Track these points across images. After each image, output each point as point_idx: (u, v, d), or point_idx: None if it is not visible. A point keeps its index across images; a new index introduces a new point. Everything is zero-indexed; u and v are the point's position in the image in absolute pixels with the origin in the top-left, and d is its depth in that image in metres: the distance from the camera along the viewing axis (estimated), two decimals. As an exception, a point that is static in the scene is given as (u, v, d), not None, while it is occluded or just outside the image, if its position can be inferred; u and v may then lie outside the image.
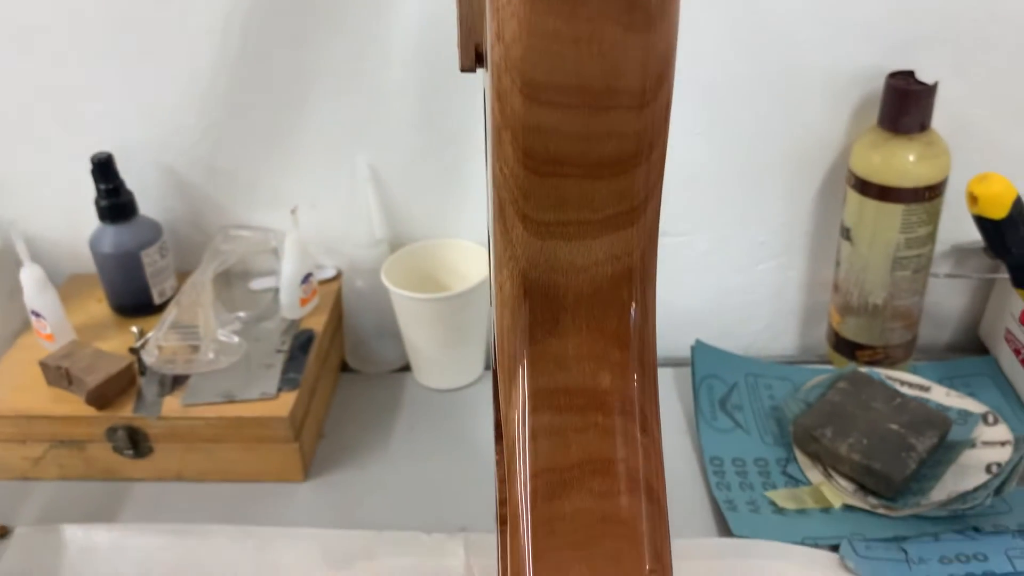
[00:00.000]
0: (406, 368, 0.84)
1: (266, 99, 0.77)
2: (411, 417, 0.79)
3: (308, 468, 0.74)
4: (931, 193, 0.70)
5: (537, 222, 0.28)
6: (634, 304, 0.31)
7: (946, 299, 0.84)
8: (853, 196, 0.73)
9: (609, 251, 0.29)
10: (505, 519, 0.28)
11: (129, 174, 0.77)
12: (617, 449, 0.30)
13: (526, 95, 0.25)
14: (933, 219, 0.72)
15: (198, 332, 0.72)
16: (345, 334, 0.85)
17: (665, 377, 0.82)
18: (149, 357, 0.70)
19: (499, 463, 0.37)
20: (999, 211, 0.65)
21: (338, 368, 0.84)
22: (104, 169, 0.75)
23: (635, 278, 0.30)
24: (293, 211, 0.75)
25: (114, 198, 0.76)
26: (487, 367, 0.84)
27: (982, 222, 0.67)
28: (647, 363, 0.32)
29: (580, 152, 0.26)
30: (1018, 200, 0.66)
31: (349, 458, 0.75)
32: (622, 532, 0.30)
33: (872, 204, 0.72)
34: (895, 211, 0.71)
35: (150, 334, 0.72)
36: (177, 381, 0.72)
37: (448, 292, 0.76)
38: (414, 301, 0.76)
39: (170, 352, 0.71)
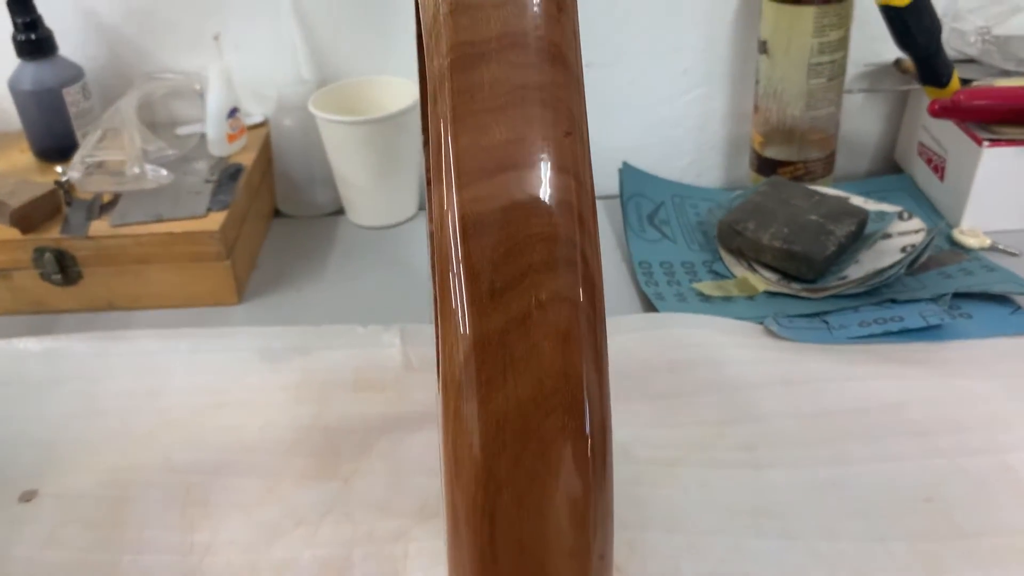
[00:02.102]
0: (339, 212, 0.85)
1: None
2: (347, 252, 0.79)
3: (242, 291, 0.73)
4: (841, -6, 0.73)
5: None
6: None
7: (862, 125, 0.86)
8: (769, 6, 0.75)
9: None
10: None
11: (48, 16, 0.76)
12: (535, 23, 0.31)
13: None
14: (844, 23, 0.75)
15: (124, 151, 0.71)
16: (276, 180, 0.85)
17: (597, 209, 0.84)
18: (74, 172, 0.69)
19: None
20: (903, -2, 0.68)
21: (270, 213, 0.84)
22: (20, 1, 0.74)
23: None
24: (216, 37, 0.75)
25: (32, 32, 0.75)
26: (421, 207, 0.84)
27: (888, 11, 0.69)
28: None
29: None
30: (921, -13, 0.68)
31: (284, 284, 0.75)
32: (540, 97, 0.30)
33: (786, 10, 0.74)
34: (807, 14, 0.73)
35: (75, 154, 0.71)
36: (104, 208, 0.72)
37: (377, 114, 0.76)
38: (343, 126, 0.76)
39: (96, 176, 0.70)
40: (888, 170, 0.88)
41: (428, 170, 0.34)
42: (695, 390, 0.60)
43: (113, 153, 0.70)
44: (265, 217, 0.82)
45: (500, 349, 0.25)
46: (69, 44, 0.79)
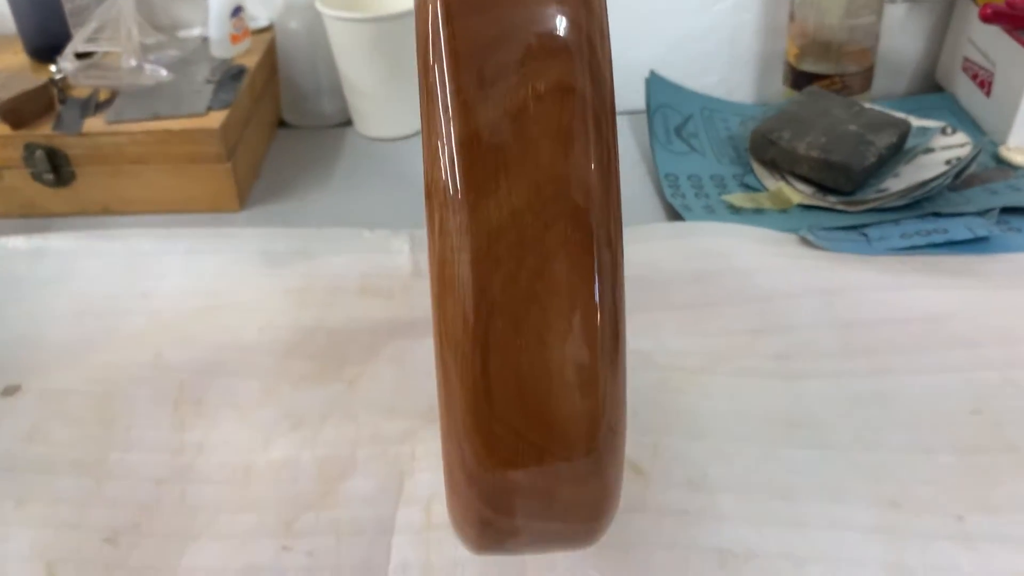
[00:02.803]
0: (347, 123, 0.80)
1: None
2: (354, 163, 0.75)
3: (244, 199, 0.70)
4: None
5: None
6: None
7: (903, 41, 0.81)
8: (809, -99, 0.70)
9: None
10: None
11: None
12: None
13: None
14: (891, -80, 0.69)
15: (121, 44, 0.67)
16: (282, 89, 0.80)
17: (620, 123, 0.79)
18: (66, 63, 0.65)
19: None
20: None
21: (275, 122, 0.80)
22: None
23: None
24: (219, -73, 0.70)
25: (24, -81, 0.71)
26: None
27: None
28: None
29: None
30: None
31: (288, 193, 0.71)
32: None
33: (828, -94, 0.69)
34: (852, -91, 0.68)
35: (68, 45, 0.67)
36: (100, 106, 0.68)
37: (388, 11, 0.71)
38: (351, 24, 0.72)
39: (91, 71, 0.66)
40: (929, 89, 0.82)
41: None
42: (723, 300, 0.56)
43: (109, 45, 0.66)
44: (269, 125, 0.78)
45: (491, 149, 0.21)
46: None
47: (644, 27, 0.81)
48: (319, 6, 0.72)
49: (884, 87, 0.82)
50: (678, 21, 0.81)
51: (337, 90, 0.79)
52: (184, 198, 0.68)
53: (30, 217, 0.69)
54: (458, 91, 0.21)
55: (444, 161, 0.21)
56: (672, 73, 0.82)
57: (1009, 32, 0.69)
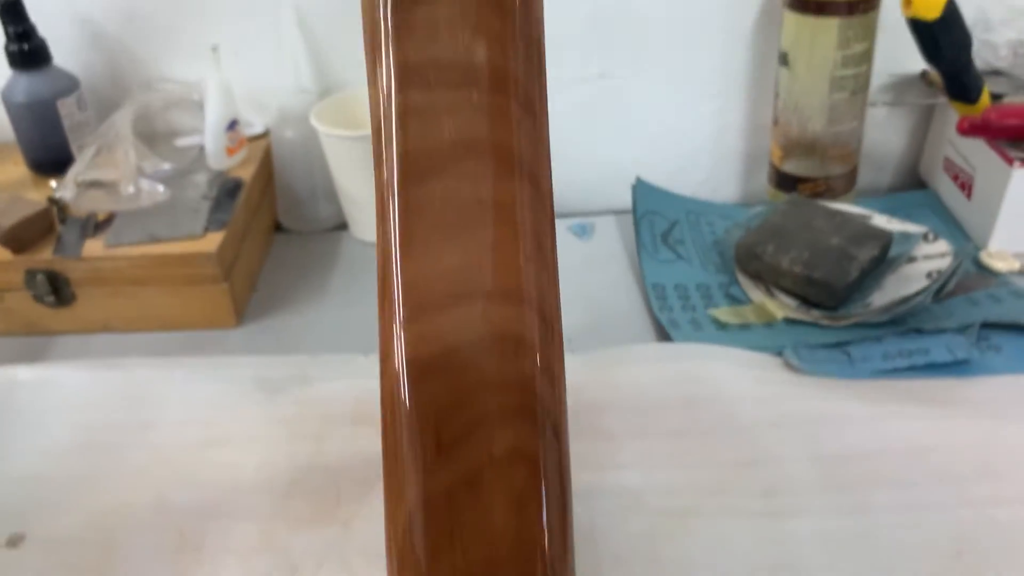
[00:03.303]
0: (342, 227, 0.82)
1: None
2: (349, 271, 0.77)
3: (241, 314, 0.71)
4: (866, 5, 0.69)
5: None
6: None
7: (886, 138, 0.83)
8: (790, 16, 0.72)
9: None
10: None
11: (42, 25, 0.74)
12: (495, 129, 0.27)
13: None
14: (869, 35, 0.71)
15: (119, 168, 0.68)
16: (278, 194, 0.82)
17: (607, 224, 0.81)
18: (66, 192, 0.67)
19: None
20: (932, 11, 0.65)
21: (271, 228, 0.82)
22: (12, 11, 0.71)
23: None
24: (214, 49, 0.72)
25: (25, 42, 0.72)
26: (426, 221, 0.81)
27: (916, 25, 0.66)
28: (532, 38, 0.29)
29: None
30: (951, 1, 0.65)
31: (284, 306, 0.73)
32: (499, 217, 0.27)
33: (808, 21, 0.71)
34: (831, 26, 0.70)
35: (69, 171, 0.69)
36: (99, 227, 0.69)
37: (380, 130, 0.73)
38: (346, 141, 0.73)
39: (90, 193, 0.68)
40: (912, 185, 0.84)
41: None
42: (710, 428, 0.57)
43: (107, 172, 0.68)
44: (266, 231, 0.80)
45: (447, 512, 0.22)
46: (64, 52, 0.77)
47: (632, 126, 0.83)
48: (314, 122, 0.74)
49: (868, 180, 0.84)
50: (664, 121, 0.82)
51: (332, 194, 0.80)
52: (182, 316, 0.69)
53: (31, 336, 0.70)
54: (416, 457, 0.22)
55: (402, 521, 0.22)
56: (659, 170, 0.83)
57: (987, 142, 0.70)
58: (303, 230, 0.82)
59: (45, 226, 0.69)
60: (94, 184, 0.70)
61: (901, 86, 0.80)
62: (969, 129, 0.68)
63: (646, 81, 0.80)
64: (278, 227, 0.83)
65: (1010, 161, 0.68)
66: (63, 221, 0.70)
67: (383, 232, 0.25)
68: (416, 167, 0.26)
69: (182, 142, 0.80)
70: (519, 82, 0.28)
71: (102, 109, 0.80)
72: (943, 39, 0.66)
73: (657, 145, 0.84)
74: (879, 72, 0.78)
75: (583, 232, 0.80)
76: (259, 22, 0.77)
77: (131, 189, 0.67)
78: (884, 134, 0.83)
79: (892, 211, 0.77)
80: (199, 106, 0.78)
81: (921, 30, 0.66)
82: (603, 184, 0.83)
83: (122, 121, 0.70)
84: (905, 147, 0.84)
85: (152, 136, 0.80)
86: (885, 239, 0.69)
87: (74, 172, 0.68)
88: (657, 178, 0.82)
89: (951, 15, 0.65)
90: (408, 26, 0.28)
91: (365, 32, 0.29)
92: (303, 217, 0.82)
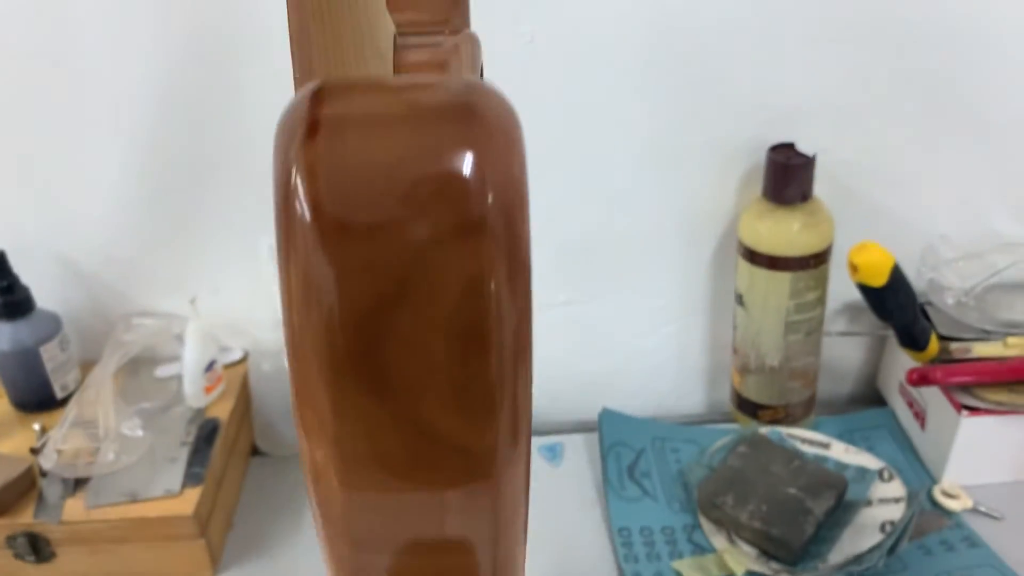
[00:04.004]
0: (319, 447, 0.84)
1: (163, 186, 0.77)
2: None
3: (217, 563, 0.73)
4: (817, 261, 0.73)
5: None
6: None
7: (844, 354, 0.86)
8: (743, 265, 0.75)
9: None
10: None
11: (25, 266, 0.76)
12: None
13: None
14: (821, 284, 0.74)
15: (99, 433, 0.71)
16: (254, 418, 0.84)
17: (575, 443, 0.83)
18: (48, 462, 0.69)
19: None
20: (879, 279, 0.68)
21: (248, 453, 0.84)
22: (-3, 266, 0.74)
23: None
24: (192, 301, 0.75)
25: (9, 295, 0.75)
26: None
27: (864, 289, 0.69)
28: None
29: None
30: (896, 268, 0.68)
31: (260, 549, 0.74)
32: None
33: (761, 273, 0.74)
34: (783, 279, 0.73)
35: (50, 433, 0.71)
36: (79, 482, 0.71)
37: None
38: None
39: (70, 455, 0.70)
40: (871, 398, 0.87)
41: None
42: None
43: (89, 437, 0.70)
44: (242, 458, 0.82)
45: None
46: (46, 291, 0.79)
47: (598, 341, 0.85)
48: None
49: (827, 391, 0.87)
50: (629, 338, 0.85)
51: (308, 417, 0.82)
52: (160, 571, 0.71)
53: (11, 587, 0.72)
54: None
55: None
56: (626, 380, 0.86)
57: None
58: (279, 454, 0.84)
59: (27, 485, 0.71)
60: (74, 451, 0.71)
61: (855, 312, 0.83)
62: (919, 381, 0.71)
63: (607, 306, 0.83)
64: (255, 450, 0.85)
65: (959, 409, 0.71)
66: (44, 474, 0.72)
67: None
68: None
69: (162, 372, 0.82)
70: None
71: (85, 341, 0.82)
72: (890, 301, 0.69)
73: (625, 358, 0.86)
74: (834, 298, 0.81)
75: (553, 456, 0.82)
76: (238, 257, 0.80)
77: (110, 457, 0.69)
78: (842, 351, 0.86)
79: (850, 435, 0.80)
80: (179, 338, 0.81)
81: (869, 293, 0.69)
82: (571, 398, 0.85)
83: (102, 376, 0.73)
84: (863, 361, 0.87)
85: (135, 364, 0.82)
86: (840, 487, 0.71)
87: (55, 439, 0.70)
88: (624, 389, 0.85)
89: (896, 280, 0.68)
90: None
91: None
92: (279, 441, 0.84)
